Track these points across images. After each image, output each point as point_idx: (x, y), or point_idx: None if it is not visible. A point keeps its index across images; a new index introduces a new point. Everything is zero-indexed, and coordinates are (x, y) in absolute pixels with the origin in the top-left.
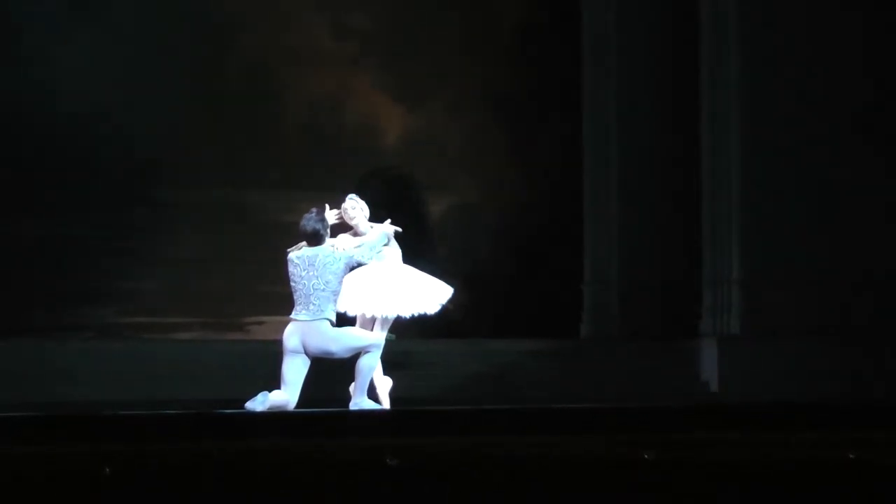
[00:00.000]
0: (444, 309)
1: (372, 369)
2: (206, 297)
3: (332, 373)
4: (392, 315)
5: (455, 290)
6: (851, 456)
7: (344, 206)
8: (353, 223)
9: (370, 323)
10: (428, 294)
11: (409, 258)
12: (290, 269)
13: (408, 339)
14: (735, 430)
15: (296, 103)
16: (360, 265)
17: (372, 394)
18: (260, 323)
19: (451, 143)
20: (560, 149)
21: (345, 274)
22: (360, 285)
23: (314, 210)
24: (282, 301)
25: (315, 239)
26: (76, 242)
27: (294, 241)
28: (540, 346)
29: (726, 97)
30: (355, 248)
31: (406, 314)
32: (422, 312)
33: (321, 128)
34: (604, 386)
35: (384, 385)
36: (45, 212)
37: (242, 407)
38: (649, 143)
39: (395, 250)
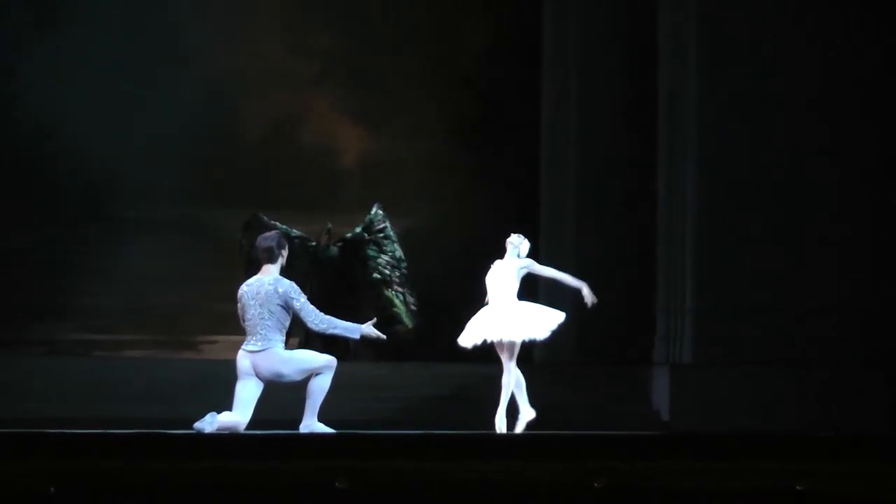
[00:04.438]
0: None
1: (324, 391)
2: (160, 315)
3: (281, 394)
4: (516, 340)
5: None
6: (799, 487)
7: (512, 237)
8: (508, 251)
9: (505, 349)
10: (539, 319)
11: None
12: (240, 301)
13: (362, 361)
14: (685, 459)
15: (255, 122)
16: (300, 314)
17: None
18: (213, 342)
19: (409, 166)
20: (519, 173)
21: (289, 308)
22: (484, 320)
23: (275, 231)
24: (235, 320)
25: (268, 256)
26: (29, 257)
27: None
28: (493, 371)
29: (685, 126)
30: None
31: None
32: (533, 338)
33: (280, 148)
34: (555, 412)
35: (527, 415)
36: None
37: (192, 427)
38: (607, 171)
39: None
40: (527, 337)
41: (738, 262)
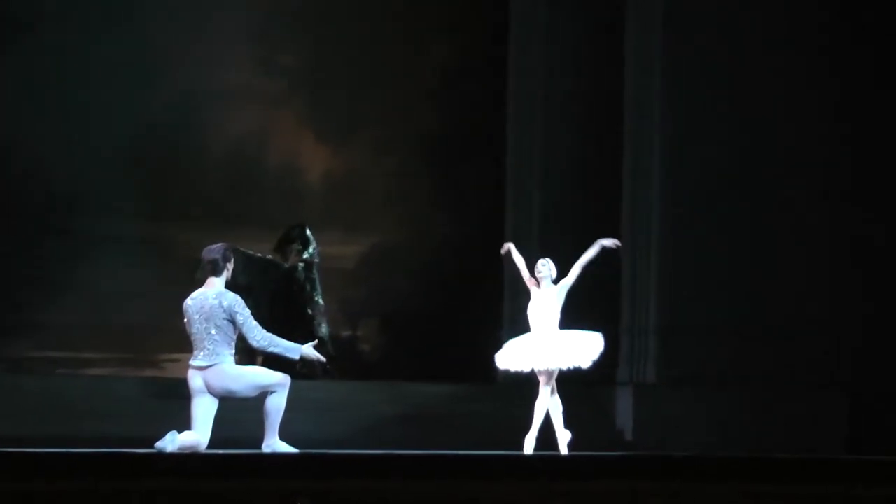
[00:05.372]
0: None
1: (280, 409)
2: (122, 333)
3: (243, 413)
4: (557, 367)
5: (373, 332)
6: None
7: (538, 266)
8: (542, 281)
9: (544, 375)
10: (581, 348)
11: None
12: (185, 315)
13: (324, 380)
14: (649, 479)
15: (219, 139)
16: (241, 328)
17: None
18: (176, 360)
19: (374, 183)
20: (484, 191)
21: (235, 324)
22: (522, 346)
23: (221, 243)
24: None
25: (213, 269)
26: None
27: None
28: (456, 390)
29: (649, 147)
30: None
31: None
32: (581, 365)
33: (244, 164)
34: (518, 432)
35: (564, 437)
36: None
37: (153, 446)
38: (572, 187)
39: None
40: (569, 365)
41: (701, 282)
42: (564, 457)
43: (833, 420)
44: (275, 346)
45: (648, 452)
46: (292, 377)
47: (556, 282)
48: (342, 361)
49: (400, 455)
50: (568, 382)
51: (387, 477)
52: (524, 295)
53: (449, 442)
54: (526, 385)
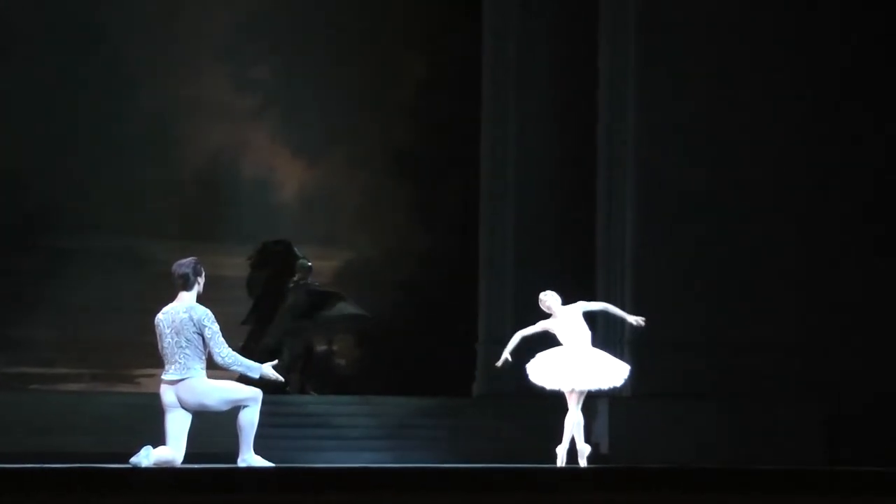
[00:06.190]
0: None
1: (253, 424)
2: (97, 348)
3: (218, 427)
4: (589, 388)
5: (350, 346)
6: None
7: (540, 300)
8: (550, 312)
9: (575, 394)
10: (611, 370)
11: None
12: (157, 329)
13: (299, 395)
14: (624, 491)
15: (195, 154)
16: (208, 342)
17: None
18: (150, 375)
19: (349, 198)
20: (459, 206)
21: (204, 338)
22: (556, 363)
23: (191, 258)
24: None
25: (184, 283)
26: None
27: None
28: (431, 404)
29: (623, 161)
30: None
31: (602, 387)
32: (611, 386)
33: (220, 179)
34: (494, 445)
35: (585, 450)
36: None
37: (128, 462)
38: (546, 203)
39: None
40: (600, 387)
41: (676, 296)
42: (541, 469)
43: (807, 433)
44: (238, 365)
45: (624, 464)
46: (264, 392)
47: (565, 303)
48: (320, 376)
49: (377, 469)
50: (543, 396)
51: (363, 491)
52: (501, 309)
53: (426, 455)
54: (503, 399)
